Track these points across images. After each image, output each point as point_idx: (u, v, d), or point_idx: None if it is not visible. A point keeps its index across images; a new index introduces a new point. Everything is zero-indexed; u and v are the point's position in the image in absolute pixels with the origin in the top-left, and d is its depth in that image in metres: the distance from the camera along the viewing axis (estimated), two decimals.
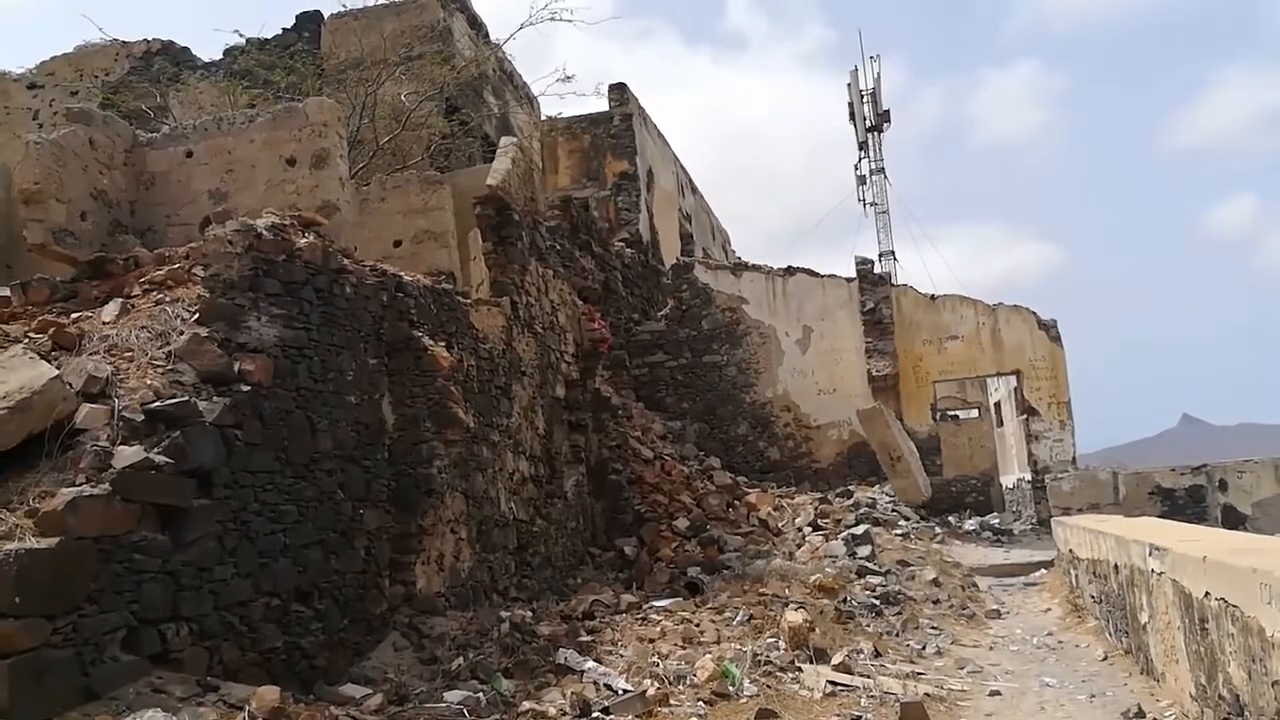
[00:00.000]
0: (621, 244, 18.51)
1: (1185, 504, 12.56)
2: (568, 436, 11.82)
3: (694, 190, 26.43)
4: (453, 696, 5.98)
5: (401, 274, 8.39)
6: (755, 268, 18.64)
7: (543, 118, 19.17)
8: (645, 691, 6.27)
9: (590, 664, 6.89)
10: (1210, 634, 5.06)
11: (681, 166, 25.09)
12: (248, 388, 6.01)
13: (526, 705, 6.01)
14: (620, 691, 6.31)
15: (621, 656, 7.20)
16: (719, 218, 29.80)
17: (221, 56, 16.48)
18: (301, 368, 6.64)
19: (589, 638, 7.72)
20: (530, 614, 8.19)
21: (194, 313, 6.23)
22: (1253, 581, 4.33)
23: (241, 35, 16.04)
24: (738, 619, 8.33)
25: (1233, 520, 12.13)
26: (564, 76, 16.83)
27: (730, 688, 6.51)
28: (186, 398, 5.56)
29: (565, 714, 5.91)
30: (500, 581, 9.20)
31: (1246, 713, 4.61)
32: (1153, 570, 6.29)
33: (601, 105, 20.56)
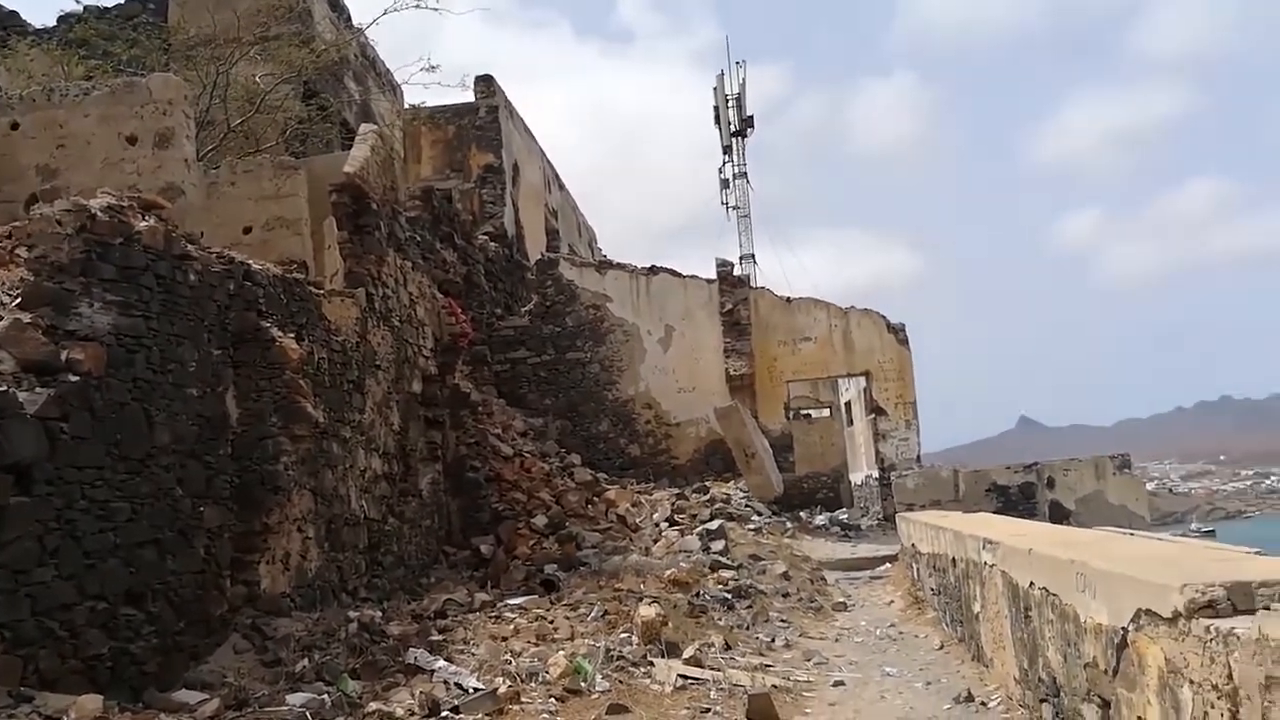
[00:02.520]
0: (485, 238, 18.30)
1: (1018, 500, 13.32)
2: (424, 433, 11.60)
3: (561, 186, 26.38)
4: (295, 699, 5.78)
5: (250, 262, 8.05)
6: (620, 266, 18.76)
7: (406, 106, 18.77)
8: (497, 689, 6.21)
9: (441, 663, 6.78)
10: (1033, 621, 5.38)
11: (549, 162, 25.00)
12: (76, 378, 5.65)
13: (373, 706, 5.87)
14: (471, 690, 6.24)
15: (474, 655, 7.12)
16: (590, 214, 29.86)
17: (56, 24, 15.46)
18: (139, 357, 6.29)
19: (440, 637, 7.60)
20: (380, 614, 8.01)
21: (15, 297, 5.82)
22: (1070, 571, 4.62)
23: (79, 2, 15.09)
24: (592, 615, 8.36)
25: (1059, 515, 12.94)
26: (428, 66, 16.48)
27: (582, 683, 6.51)
28: (5, 388, 5.19)
29: (414, 714, 5.80)
30: (350, 581, 8.96)
31: (1062, 693, 4.92)
32: (985, 563, 6.63)
33: (470, 97, 20.28)
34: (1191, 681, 3.35)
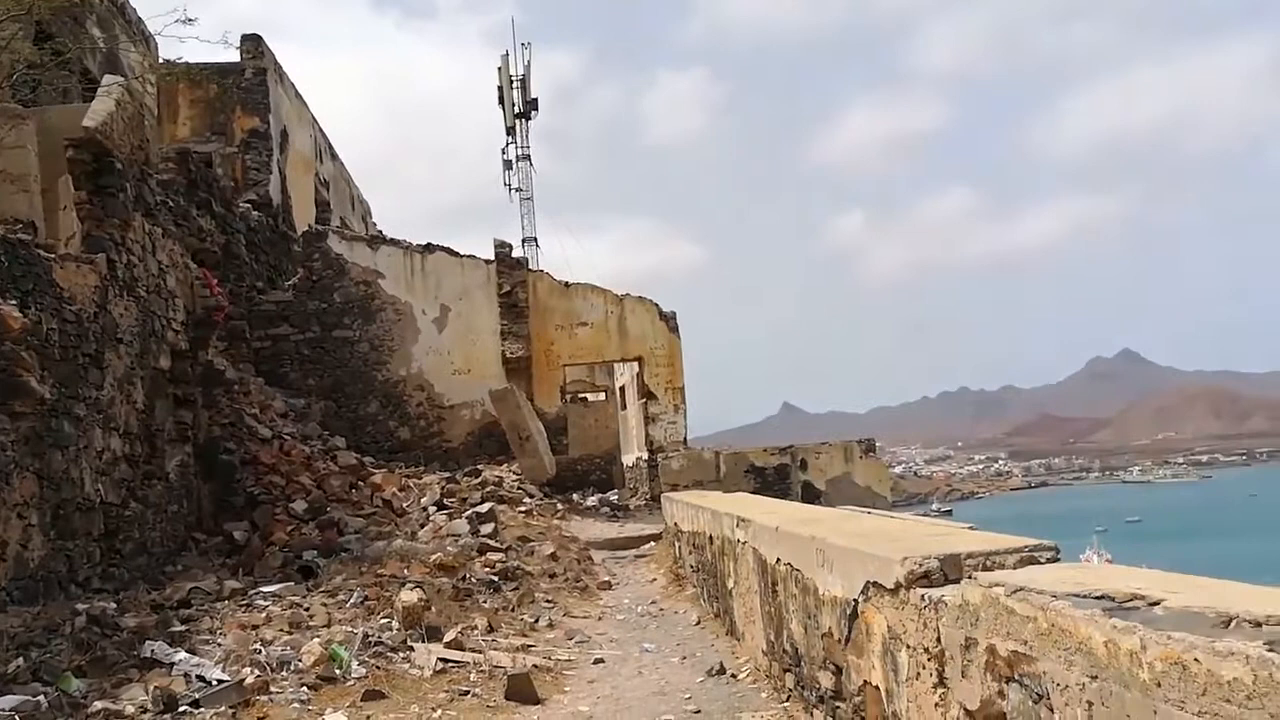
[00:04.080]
0: (247, 206, 17.24)
1: (774, 481, 14.06)
2: (173, 412, 10.82)
3: (334, 156, 25.27)
4: (5, 702, 5.25)
5: None
6: (394, 242, 18.20)
7: (161, 60, 17.34)
8: (243, 680, 5.91)
9: (182, 655, 6.37)
10: (779, 595, 5.68)
11: (322, 130, 23.88)
12: None
13: (99, 705, 5.43)
14: (214, 682, 5.90)
15: (220, 646, 6.73)
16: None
17: None
18: None
19: (183, 628, 7.14)
20: (115, 605, 7.41)
21: None
22: (811, 547, 4.92)
23: None
24: (352, 601, 8.12)
25: (810, 495, 13.77)
26: (185, 18, 15.16)
27: (338, 671, 6.33)
28: None
29: (146, 711, 5.41)
30: (81, 571, 8.22)
31: (803, 663, 5.24)
32: (739, 540, 6.94)
33: (237, 56, 18.97)
34: (908, 646, 3.64)
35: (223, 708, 5.54)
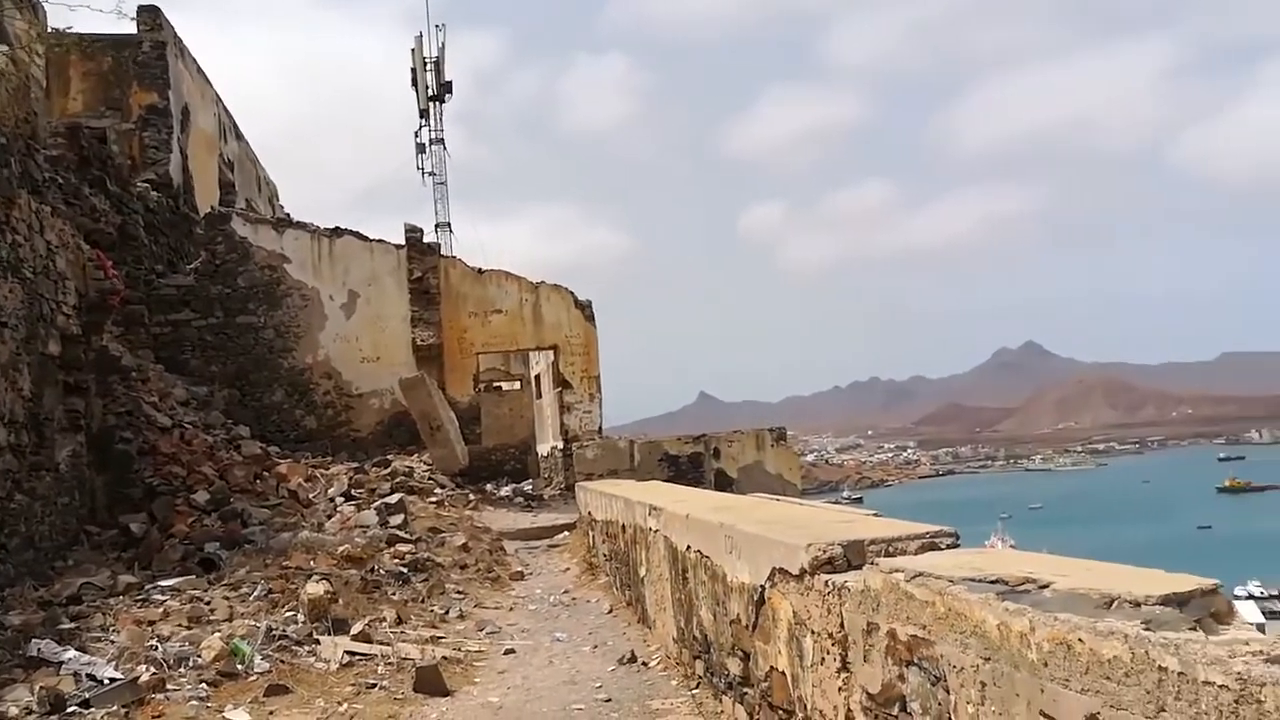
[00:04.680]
0: (146, 185, 16.58)
1: (688, 469, 14.13)
2: (63, 400, 10.35)
3: (240, 136, 24.49)
4: None
5: None
6: (301, 225, 17.73)
7: (50, 29, 16.53)
8: (138, 678, 5.70)
9: (71, 653, 6.11)
10: (690, 583, 5.72)
11: (226, 109, 23.11)
12: None
13: None
14: (106, 681, 5.67)
15: (113, 643, 6.48)
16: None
17: None
18: None
19: (73, 625, 6.85)
20: None
21: None
22: (720, 535, 4.95)
23: None
24: (255, 594, 7.91)
25: (723, 483, 13.88)
26: None
27: (239, 666, 6.16)
28: None
29: (32, 713, 5.18)
30: None
31: (712, 649, 5.28)
32: (651, 528, 6.96)
33: (133, 27, 18.19)
34: (813, 631, 3.69)
35: (115, 707, 5.33)
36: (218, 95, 22.34)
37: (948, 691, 2.65)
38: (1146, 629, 1.89)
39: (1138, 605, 2.09)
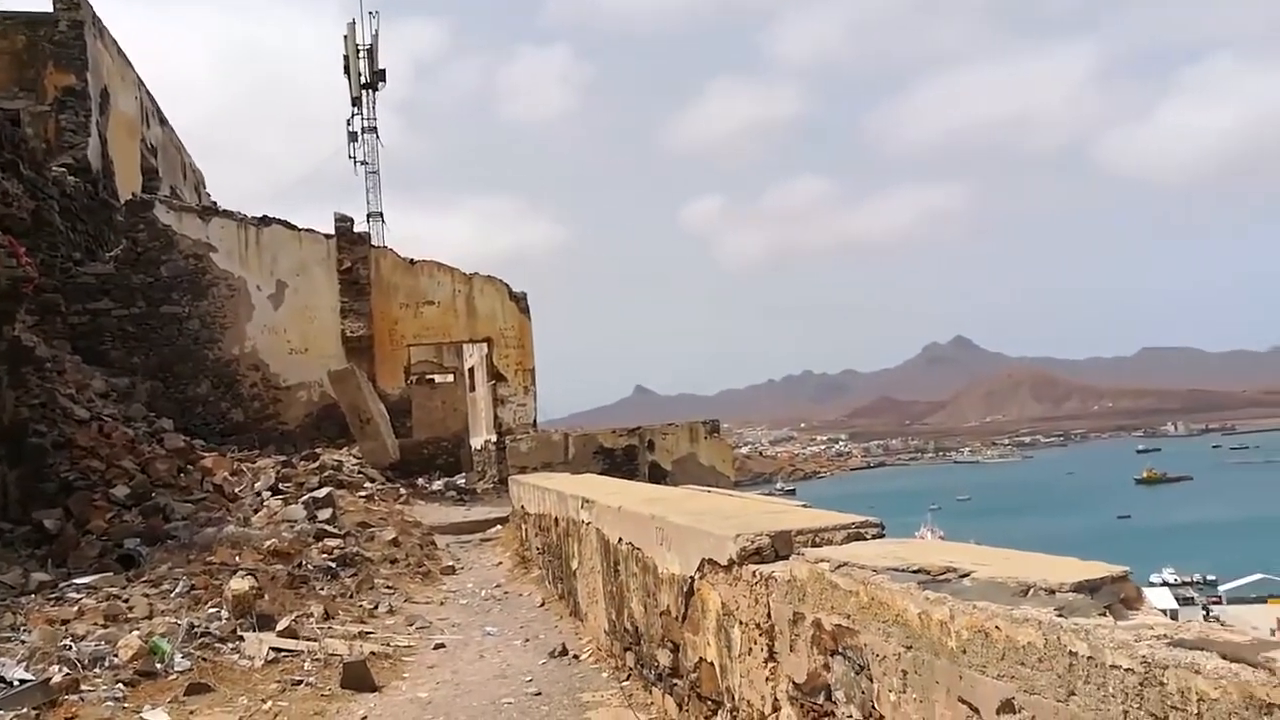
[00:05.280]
0: (62, 170, 16.00)
1: (622, 462, 14.13)
2: None
3: (164, 121, 23.80)
4: None
5: None
6: (227, 214, 17.31)
7: None
8: (49, 679, 5.51)
9: None
10: (621, 575, 5.71)
11: (149, 92, 22.43)
12: None
13: None
14: (16, 682, 5.47)
15: (24, 643, 6.25)
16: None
17: None
18: None
19: None
20: None
21: None
22: (651, 526, 4.95)
23: None
24: (177, 591, 7.71)
25: (657, 475, 13.91)
26: None
27: (159, 665, 6.00)
28: None
29: None
30: None
31: (643, 641, 5.28)
32: (583, 521, 6.94)
33: (48, 5, 17.55)
34: (741, 622, 3.71)
35: (25, 709, 5.15)
36: (140, 78, 21.66)
37: (871, 680, 2.68)
38: (1059, 615, 1.93)
39: (1052, 593, 2.14)
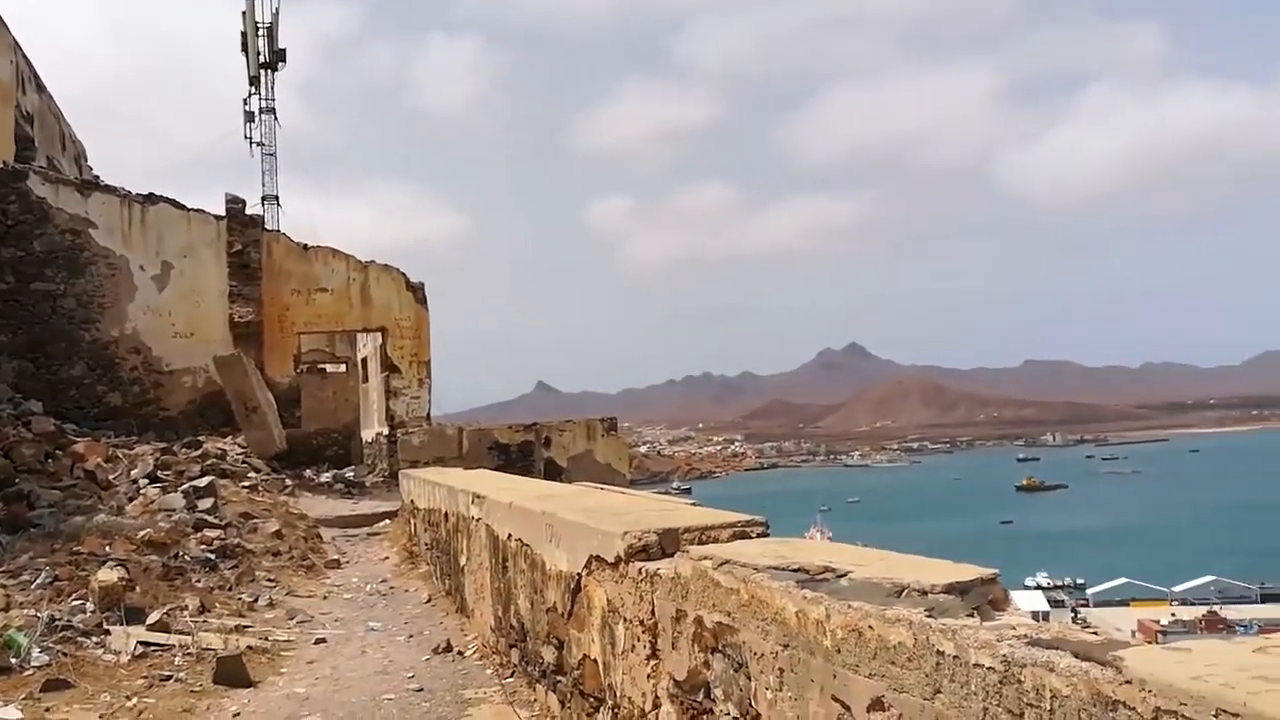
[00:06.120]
0: None
1: (518, 458, 14.01)
2: None
3: (41, 89, 22.59)
4: None
5: None
6: (109, 189, 16.54)
7: None
8: None
9: None
10: (509, 571, 5.66)
11: (25, 57, 21.26)
12: None
13: None
14: None
15: None
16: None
17: None
18: None
19: None
20: None
21: None
22: (541, 523, 4.92)
23: None
24: (38, 581, 7.33)
25: (553, 472, 13.84)
26: None
27: (14, 659, 5.68)
28: None
29: None
30: None
31: (528, 638, 5.24)
32: (473, 517, 6.86)
33: None
34: (625, 619, 3.71)
35: None
36: (16, 42, 20.51)
37: (749, 678, 2.71)
38: (929, 616, 1.98)
39: (924, 593, 2.19)
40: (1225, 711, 1.30)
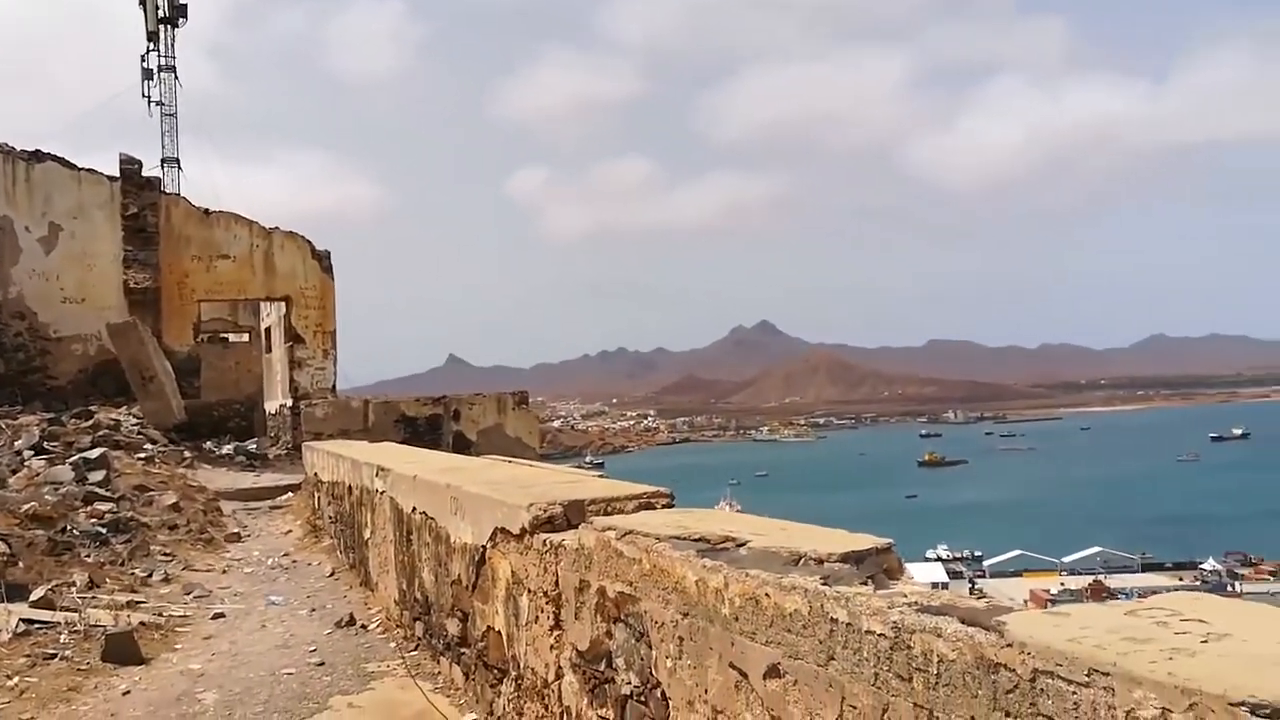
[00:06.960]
0: None
1: (425, 431, 13.82)
2: None
3: None
4: None
5: None
6: None
7: None
8: None
9: None
10: (414, 544, 5.59)
11: None
12: None
13: None
14: None
15: None
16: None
17: None
18: None
19: None
20: None
21: None
22: (445, 496, 4.86)
23: None
24: None
25: (462, 445, 13.69)
26: None
27: None
28: None
29: None
30: None
31: (432, 611, 5.19)
32: (377, 490, 6.75)
33: None
34: (530, 590, 3.69)
35: None
36: None
37: (650, 647, 2.72)
38: (824, 584, 2.01)
39: (821, 562, 2.22)
40: (1097, 671, 1.35)
